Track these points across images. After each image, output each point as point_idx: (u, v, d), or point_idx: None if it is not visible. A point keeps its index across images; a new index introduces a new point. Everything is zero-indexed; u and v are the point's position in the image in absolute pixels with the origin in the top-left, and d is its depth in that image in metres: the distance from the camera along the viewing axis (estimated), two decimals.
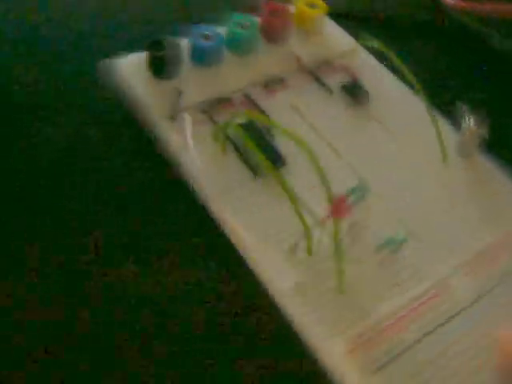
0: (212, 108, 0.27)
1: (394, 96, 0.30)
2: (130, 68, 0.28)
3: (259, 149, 0.25)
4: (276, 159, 0.26)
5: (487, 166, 0.28)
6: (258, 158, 0.24)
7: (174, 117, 0.27)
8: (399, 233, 0.21)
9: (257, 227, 0.24)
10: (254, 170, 0.26)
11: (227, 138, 0.26)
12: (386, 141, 0.28)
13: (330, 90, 0.29)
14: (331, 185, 0.21)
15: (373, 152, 0.27)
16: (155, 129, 0.27)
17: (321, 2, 0.31)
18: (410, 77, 0.27)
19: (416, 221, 0.25)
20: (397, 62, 0.27)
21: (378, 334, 0.22)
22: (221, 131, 0.26)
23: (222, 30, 0.29)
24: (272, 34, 0.30)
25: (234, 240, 0.24)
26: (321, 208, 0.23)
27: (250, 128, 0.26)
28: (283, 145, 0.26)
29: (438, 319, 0.23)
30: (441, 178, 0.27)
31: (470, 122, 0.27)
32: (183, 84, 0.28)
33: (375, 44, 0.28)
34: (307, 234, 0.23)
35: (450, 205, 0.26)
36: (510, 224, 0.26)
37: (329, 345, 0.22)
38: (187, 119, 0.27)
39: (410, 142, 0.28)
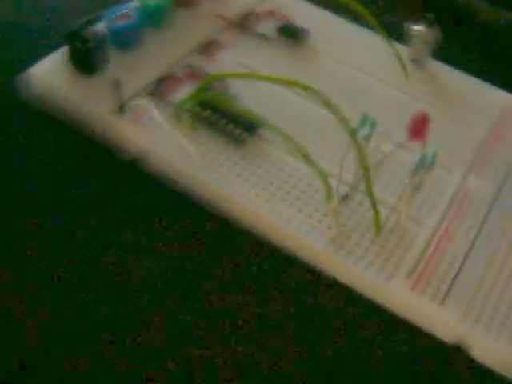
0: (158, 89, 0.25)
1: (336, 29, 0.29)
2: (51, 73, 0.25)
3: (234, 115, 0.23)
4: (250, 122, 0.23)
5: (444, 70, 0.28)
6: (248, 116, 0.22)
7: (121, 109, 0.24)
8: (428, 151, 0.20)
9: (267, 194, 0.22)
10: (237, 138, 0.23)
11: (194, 114, 0.23)
12: (344, 71, 0.27)
13: (265, 37, 0.27)
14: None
15: (336, 84, 0.26)
16: (105, 128, 0.24)
17: None
18: (357, 6, 0.25)
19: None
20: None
21: (430, 259, 0.21)
22: (186, 108, 0.23)
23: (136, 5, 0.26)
24: None
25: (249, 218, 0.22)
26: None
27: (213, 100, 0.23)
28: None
29: (476, 220, 0.23)
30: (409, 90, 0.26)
31: (418, 28, 0.26)
32: (116, 73, 0.25)
33: None
34: (325, 181, 0.21)
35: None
36: (484, 116, 0.26)
37: (390, 289, 0.20)
38: (145, 104, 0.24)
39: (370, 67, 0.27)
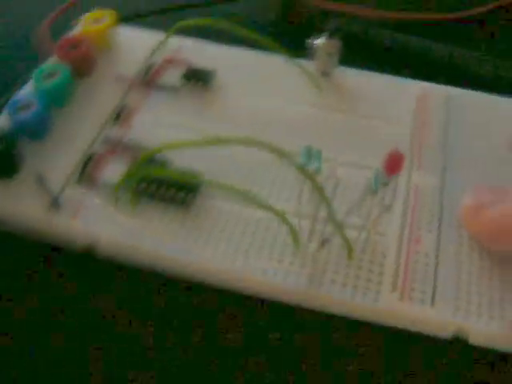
0: (84, 174, 0.24)
1: (241, 62, 0.28)
2: None
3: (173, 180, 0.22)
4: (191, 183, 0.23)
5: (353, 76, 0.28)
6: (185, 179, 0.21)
7: (55, 205, 0.23)
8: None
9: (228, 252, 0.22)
10: (182, 202, 0.23)
11: (133, 190, 0.22)
12: (259, 102, 0.27)
13: (172, 88, 0.27)
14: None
15: (256, 118, 0.26)
16: (45, 228, 0.22)
17: (108, 12, 0.28)
18: (254, 34, 0.25)
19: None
20: (231, 27, 0.25)
21: (407, 266, 0.21)
22: (125, 186, 0.22)
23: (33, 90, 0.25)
24: (84, 67, 0.27)
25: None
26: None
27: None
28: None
29: (434, 213, 0.23)
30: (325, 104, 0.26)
31: (321, 41, 0.27)
32: (36, 167, 0.24)
33: (200, 22, 0.25)
34: (292, 229, 0.21)
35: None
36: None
37: (381, 306, 0.21)
38: (78, 193, 0.23)
39: (284, 92, 0.27)
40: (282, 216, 0.21)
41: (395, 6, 0.33)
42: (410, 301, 0.21)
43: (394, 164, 0.18)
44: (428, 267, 0.21)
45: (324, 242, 0.21)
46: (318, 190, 0.20)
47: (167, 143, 0.21)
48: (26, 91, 0.26)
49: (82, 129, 0.25)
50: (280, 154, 0.19)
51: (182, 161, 0.24)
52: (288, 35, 0.29)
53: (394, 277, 0.21)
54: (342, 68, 0.28)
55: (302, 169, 0.19)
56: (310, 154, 0.20)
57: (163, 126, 0.25)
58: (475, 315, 0.20)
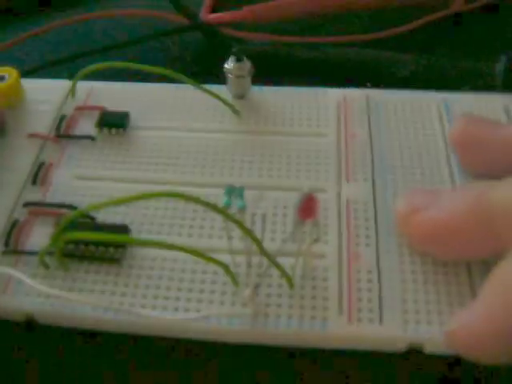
0: (9, 244, 0.23)
1: (152, 98, 0.28)
2: None
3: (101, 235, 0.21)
4: (121, 229, 0.22)
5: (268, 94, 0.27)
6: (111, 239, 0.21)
7: None
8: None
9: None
10: (113, 258, 0.22)
11: (61, 254, 0.22)
12: (177, 137, 0.26)
13: (87, 137, 0.26)
14: None
15: (177, 153, 0.25)
16: None
17: (7, 69, 0.27)
18: (155, 69, 0.25)
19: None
20: (134, 65, 0.25)
21: (350, 286, 0.21)
22: (52, 251, 0.22)
23: None
24: None
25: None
26: None
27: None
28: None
29: (370, 225, 0.23)
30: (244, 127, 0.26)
31: (230, 65, 0.26)
32: None
33: (103, 66, 0.25)
34: (228, 272, 0.20)
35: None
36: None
37: (330, 332, 0.20)
38: (5, 269, 0.22)
39: (200, 123, 0.27)
40: (213, 261, 0.20)
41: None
42: (358, 322, 0.20)
43: (308, 208, 0.18)
44: (372, 284, 0.21)
45: (256, 287, 0.21)
46: (246, 232, 0.19)
47: (89, 205, 0.20)
48: None
49: (0, 195, 0.24)
50: (203, 204, 0.19)
51: (106, 216, 0.23)
52: (200, 64, 0.28)
53: (339, 299, 0.21)
54: (257, 88, 0.27)
55: (227, 215, 0.19)
56: (233, 193, 0.20)
57: (83, 179, 0.25)
58: (425, 324, 0.20)
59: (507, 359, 0.19)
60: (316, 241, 0.20)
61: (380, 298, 0.21)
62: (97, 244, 0.22)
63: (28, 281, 0.21)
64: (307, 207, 0.18)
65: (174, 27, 0.34)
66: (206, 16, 0.33)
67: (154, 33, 0.33)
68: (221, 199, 0.20)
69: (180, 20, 0.33)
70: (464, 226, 0.20)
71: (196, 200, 0.18)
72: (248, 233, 0.19)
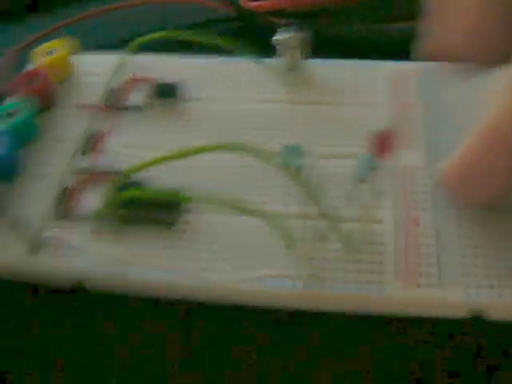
0: (61, 210, 0.23)
1: (204, 70, 0.27)
2: None
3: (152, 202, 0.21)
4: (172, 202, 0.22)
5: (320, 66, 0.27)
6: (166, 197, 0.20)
7: (36, 246, 0.22)
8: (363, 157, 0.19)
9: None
10: (166, 222, 0.22)
11: (113, 218, 0.21)
12: (229, 108, 0.26)
13: (139, 107, 0.26)
14: None
15: (229, 124, 0.25)
16: (28, 270, 0.21)
17: (59, 42, 0.27)
18: (215, 40, 0.25)
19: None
20: (188, 36, 0.25)
21: (407, 250, 0.21)
22: (102, 216, 0.21)
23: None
24: (44, 100, 0.26)
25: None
26: None
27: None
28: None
29: (426, 192, 0.22)
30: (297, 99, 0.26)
31: (281, 36, 0.26)
32: (9, 209, 0.23)
33: (156, 36, 0.25)
34: (284, 232, 0.20)
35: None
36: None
37: (387, 297, 0.20)
38: (58, 231, 0.22)
39: (252, 94, 0.26)
40: (271, 220, 0.20)
41: None
42: (416, 287, 0.20)
43: (384, 144, 0.17)
44: (430, 248, 0.21)
45: (321, 238, 0.20)
46: (303, 187, 0.19)
47: (141, 163, 0.20)
48: None
49: (51, 163, 0.24)
50: (259, 155, 0.18)
51: (159, 180, 0.23)
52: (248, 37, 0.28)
53: (396, 264, 0.20)
54: (308, 60, 0.27)
55: (284, 168, 0.19)
56: (290, 151, 0.20)
57: (134, 148, 0.24)
58: (487, 288, 0.20)
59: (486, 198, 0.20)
60: (378, 196, 0.19)
61: (439, 262, 0.20)
62: (149, 208, 0.22)
63: (80, 244, 0.21)
64: (384, 142, 0.17)
65: (214, 16, 0.33)
66: (246, 3, 0.33)
67: (193, 23, 0.33)
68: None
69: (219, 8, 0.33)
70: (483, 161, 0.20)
71: (250, 152, 0.18)
72: (306, 188, 0.19)
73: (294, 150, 0.19)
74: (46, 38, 0.30)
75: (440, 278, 0.20)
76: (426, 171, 0.23)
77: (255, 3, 0.33)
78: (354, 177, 0.20)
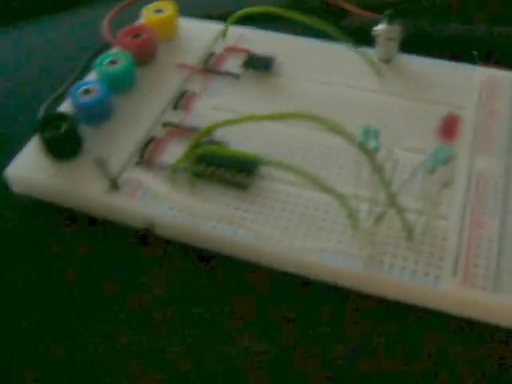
0: (143, 156, 0.24)
1: (299, 49, 0.28)
2: (29, 170, 0.24)
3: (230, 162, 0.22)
4: (249, 164, 0.23)
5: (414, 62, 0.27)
6: (248, 158, 0.21)
7: (114, 186, 0.23)
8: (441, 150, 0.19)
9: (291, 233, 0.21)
10: (240, 183, 0.23)
11: (189, 171, 0.22)
12: (318, 88, 0.26)
13: (232, 74, 0.27)
14: None
15: (315, 103, 0.25)
16: (104, 208, 0.23)
17: (167, 4, 0.28)
18: (315, 21, 0.25)
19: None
20: (291, 15, 0.25)
21: (468, 250, 0.21)
22: (181, 167, 0.22)
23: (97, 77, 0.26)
24: (145, 55, 0.27)
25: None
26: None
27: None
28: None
29: (497, 198, 0.22)
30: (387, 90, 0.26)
31: (381, 27, 0.26)
32: (95, 150, 0.24)
33: (263, 9, 0.25)
34: (345, 204, 0.21)
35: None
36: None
37: (440, 291, 0.20)
38: (137, 175, 0.23)
39: (343, 78, 0.27)
40: (341, 198, 0.20)
41: None
42: (471, 286, 0.20)
43: (450, 128, 0.18)
44: (490, 252, 0.21)
45: (380, 218, 0.20)
46: (377, 167, 0.19)
47: (225, 119, 0.21)
48: (90, 78, 0.26)
49: (142, 113, 0.25)
50: (339, 131, 0.19)
51: (240, 144, 0.24)
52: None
53: (455, 261, 0.20)
54: (403, 55, 0.27)
55: (361, 145, 0.19)
56: (369, 133, 0.20)
57: (223, 111, 0.25)
58: None
59: None
60: (446, 185, 0.19)
61: (498, 267, 0.20)
62: (226, 168, 0.23)
63: (156, 190, 0.23)
64: (449, 127, 0.18)
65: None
66: None
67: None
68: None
69: None
70: None
71: (332, 126, 0.19)
72: (379, 168, 0.19)
73: (373, 133, 0.20)
74: None
75: (496, 283, 0.20)
76: (502, 179, 0.23)
77: None
78: (425, 168, 0.20)
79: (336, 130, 0.19)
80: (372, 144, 0.20)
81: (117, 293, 0.21)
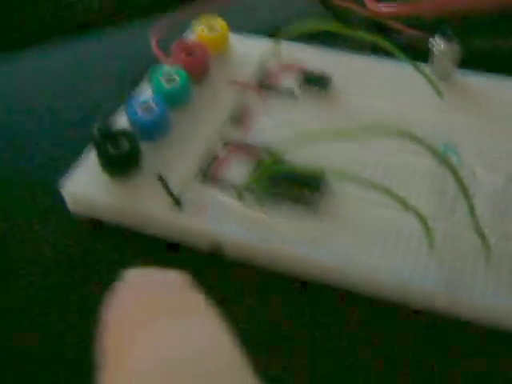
0: (207, 174, 0.23)
1: (355, 66, 0.28)
2: (88, 188, 0.23)
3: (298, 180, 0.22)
4: (318, 181, 0.22)
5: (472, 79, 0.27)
6: (317, 174, 0.21)
7: (178, 204, 0.22)
8: None
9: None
10: (309, 201, 0.22)
11: (257, 190, 0.22)
12: (377, 106, 0.26)
13: (289, 92, 0.26)
14: None
15: (376, 121, 0.25)
16: (169, 227, 0.22)
17: (219, 20, 0.28)
18: (372, 37, 0.25)
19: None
20: (346, 31, 0.25)
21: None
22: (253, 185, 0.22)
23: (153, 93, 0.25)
24: (199, 72, 0.26)
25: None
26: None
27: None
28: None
29: None
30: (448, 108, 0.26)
31: (439, 43, 0.26)
32: (154, 166, 0.23)
33: (312, 26, 0.25)
34: (426, 226, 0.20)
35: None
36: None
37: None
38: (203, 192, 0.22)
39: (401, 96, 0.26)
40: (422, 218, 0.20)
41: None
42: None
43: None
44: None
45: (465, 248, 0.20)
46: (460, 181, 0.19)
47: (302, 138, 0.20)
48: (145, 93, 0.26)
49: (199, 131, 0.25)
50: (423, 144, 0.18)
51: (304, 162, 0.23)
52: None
53: None
54: (461, 72, 0.27)
55: (444, 159, 0.19)
56: (448, 149, 0.20)
57: (283, 129, 0.25)
58: None
59: None
60: None
61: None
62: (295, 186, 0.22)
63: (223, 208, 0.22)
64: None
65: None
66: (375, 7, 0.32)
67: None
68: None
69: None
70: None
71: (418, 141, 0.18)
72: (461, 183, 0.19)
73: (453, 149, 0.20)
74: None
75: None
76: None
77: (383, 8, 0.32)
78: (506, 189, 0.20)
79: (420, 143, 0.18)
80: (454, 161, 0.19)
81: None
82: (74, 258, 0.23)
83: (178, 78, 0.25)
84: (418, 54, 0.27)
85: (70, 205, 0.23)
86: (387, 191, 0.19)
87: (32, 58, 0.31)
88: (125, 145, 0.23)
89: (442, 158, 0.19)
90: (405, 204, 0.20)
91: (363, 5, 0.32)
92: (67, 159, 0.24)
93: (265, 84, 0.27)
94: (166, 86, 0.25)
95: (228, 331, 0.12)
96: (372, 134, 0.19)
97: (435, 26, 0.28)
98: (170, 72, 0.26)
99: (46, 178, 0.24)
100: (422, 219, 0.20)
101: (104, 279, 0.21)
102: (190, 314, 0.13)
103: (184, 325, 0.12)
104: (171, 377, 0.11)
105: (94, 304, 0.17)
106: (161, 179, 0.23)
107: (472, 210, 0.19)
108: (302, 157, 0.23)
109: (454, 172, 0.19)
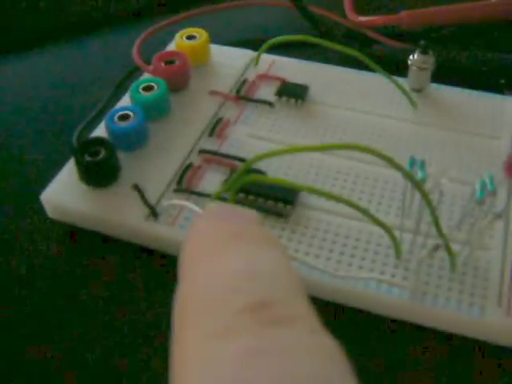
0: (181, 184, 0.24)
1: (332, 78, 0.28)
2: (65, 196, 0.24)
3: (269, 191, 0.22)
4: (289, 193, 0.23)
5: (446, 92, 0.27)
6: (290, 186, 0.21)
7: (154, 214, 0.23)
8: (487, 177, 0.20)
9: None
10: (280, 213, 0.23)
11: (232, 200, 0.22)
12: (352, 117, 0.26)
13: (266, 102, 0.27)
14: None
15: (350, 133, 0.26)
16: (144, 237, 0.23)
17: (199, 30, 0.28)
18: (350, 50, 0.25)
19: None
20: (325, 43, 0.26)
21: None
22: (224, 196, 0.22)
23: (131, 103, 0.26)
24: (179, 81, 0.27)
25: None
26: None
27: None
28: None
29: None
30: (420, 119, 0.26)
31: (414, 57, 0.26)
32: (132, 177, 0.24)
33: (291, 38, 0.26)
34: (393, 237, 0.21)
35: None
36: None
37: (487, 322, 0.20)
38: (177, 202, 0.23)
39: (376, 107, 0.27)
40: (387, 228, 0.20)
41: None
42: None
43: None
44: None
45: (435, 248, 0.20)
46: (425, 196, 0.19)
47: (270, 151, 0.21)
48: (124, 103, 0.26)
49: (177, 140, 0.25)
50: (388, 160, 0.19)
51: (278, 174, 0.24)
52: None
53: (499, 291, 0.21)
54: (434, 85, 0.27)
55: (409, 175, 0.19)
56: (414, 164, 0.20)
57: (258, 140, 0.25)
58: None
59: None
60: (497, 218, 0.19)
61: None
62: (266, 198, 0.23)
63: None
64: None
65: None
66: (355, 18, 0.33)
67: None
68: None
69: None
70: None
71: (376, 153, 0.19)
72: (427, 197, 0.19)
73: (420, 164, 0.20)
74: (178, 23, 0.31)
75: None
76: None
77: (366, 19, 0.33)
78: (471, 199, 0.20)
79: (386, 159, 0.19)
80: (419, 175, 0.20)
81: None
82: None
83: (156, 88, 0.26)
84: (400, 65, 0.27)
85: (49, 212, 0.24)
86: (352, 204, 0.20)
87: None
88: (102, 154, 0.23)
89: (406, 173, 0.19)
90: (369, 215, 0.20)
91: (344, 15, 0.32)
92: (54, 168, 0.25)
93: (243, 95, 0.27)
94: (145, 95, 0.26)
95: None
96: (341, 149, 0.20)
97: (413, 36, 0.29)
98: (147, 82, 0.26)
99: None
100: (388, 230, 0.21)
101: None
102: (264, 243, 0.14)
103: (256, 251, 0.14)
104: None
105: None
106: (137, 189, 0.23)
107: (436, 221, 0.20)
108: (275, 167, 0.24)
109: (419, 186, 0.19)
